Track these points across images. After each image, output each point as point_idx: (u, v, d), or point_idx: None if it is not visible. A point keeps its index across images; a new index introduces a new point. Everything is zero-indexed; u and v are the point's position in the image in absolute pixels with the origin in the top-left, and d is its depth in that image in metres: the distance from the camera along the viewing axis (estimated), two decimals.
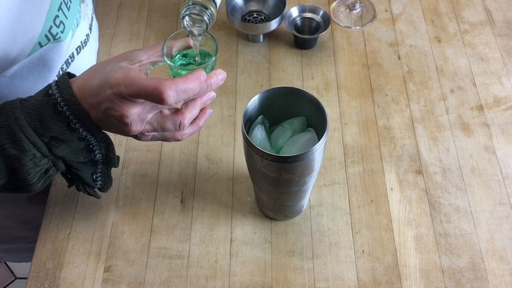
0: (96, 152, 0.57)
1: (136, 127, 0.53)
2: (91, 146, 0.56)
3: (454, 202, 0.75)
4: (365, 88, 0.87)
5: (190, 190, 0.77)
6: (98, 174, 0.61)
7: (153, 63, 0.56)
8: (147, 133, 0.55)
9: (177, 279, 0.70)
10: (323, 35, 0.93)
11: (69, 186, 0.64)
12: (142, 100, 0.51)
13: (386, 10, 0.98)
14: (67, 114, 0.52)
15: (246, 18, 0.93)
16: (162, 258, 0.71)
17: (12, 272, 1.54)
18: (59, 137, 0.53)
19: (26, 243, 1.00)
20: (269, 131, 0.67)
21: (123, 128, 0.53)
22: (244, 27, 0.89)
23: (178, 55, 0.60)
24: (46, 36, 0.62)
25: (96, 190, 0.64)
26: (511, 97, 0.86)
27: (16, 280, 1.53)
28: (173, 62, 0.58)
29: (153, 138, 0.56)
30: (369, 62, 0.90)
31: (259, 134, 0.64)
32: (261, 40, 0.93)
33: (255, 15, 0.94)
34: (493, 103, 0.85)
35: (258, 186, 0.68)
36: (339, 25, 0.96)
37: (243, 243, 0.72)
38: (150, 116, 0.53)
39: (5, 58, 0.59)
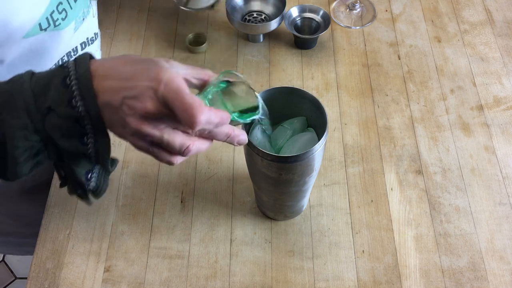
0: (89, 146, 0.52)
1: (147, 128, 0.49)
2: (85, 137, 0.51)
3: (454, 202, 0.75)
4: (365, 88, 0.87)
5: (190, 190, 0.77)
6: (94, 174, 0.57)
7: (186, 83, 0.52)
8: (145, 141, 0.51)
9: (177, 279, 0.70)
10: (323, 35, 0.93)
11: (61, 186, 0.58)
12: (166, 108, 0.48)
13: (386, 10, 0.98)
14: (73, 89, 0.48)
15: (246, 18, 0.93)
16: (162, 258, 0.71)
17: (12, 272, 1.54)
18: (56, 112, 0.48)
19: (18, 237, 0.99)
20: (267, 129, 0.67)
21: (131, 123, 0.49)
22: (244, 27, 0.89)
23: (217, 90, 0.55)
24: (47, 19, 0.62)
25: (89, 193, 0.59)
26: (511, 97, 0.86)
27: (16, 280, 1.53)
28: (206, 94, 0.54)
29: (144, 149, 0.52)
30: (369, 62, 0.90)
31: (259, 134, 0.64)
32: (261, 40, 0.93)
33: (255, 15, 0.94)
34: (493, 103, 0.85)
35: (258, 186, 0.68)
36: (339, 25, 0.96)
37: (243, 243, 0.72)
38: (164, 125, 0.50)
39: (4, 26, 0.58)
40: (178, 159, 0.52)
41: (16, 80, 0.49)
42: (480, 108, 0.85)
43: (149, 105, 0.47)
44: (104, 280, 0.70)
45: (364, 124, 0.83)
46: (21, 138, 0.49)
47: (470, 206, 0.75)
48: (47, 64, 0.68)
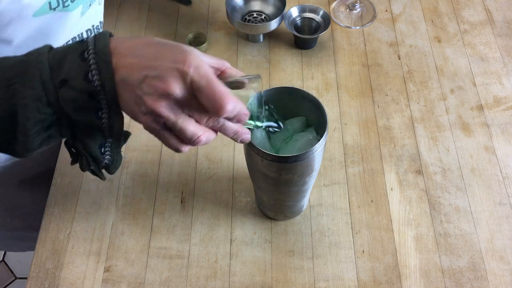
0: (103, 120, 0.50)
1: (164, 109, 0.47)
2: (100, 112, 0.49)
3: (454, 202, 0.75)
4: (365, 88, 0.87)
5: (190, 190, 0.77)
6: (107, 148, 0.55)
7: None
8: (158, 123, 0.49)
9: (177, 279, 0.70)
10: (323, 35, 0.93)
11: (72, 163, 0.57)
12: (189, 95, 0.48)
13: (386, 10, 0.98)
14: (90, 63, 0.47)
15: (246, 18, 0.93)
16: (162, 258, 0.71)
17: (12, 272, 1.54)
18: (71, 85, 0.48)
19: (11, 230, 0.98)
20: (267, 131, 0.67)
21: (148, 102, 0.47)
22: (244, 27, 0.89)
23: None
24: None
25: (102, 169, 0.57)
26: (511, 97, 0.86)
27: (16, 280, 1.53)
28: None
29: (155, 131, 0.51)
30: (369, 62, 0.90)
31: (258, 134, 0.64)
32: (261, 40, 0.93)
33: (255, 15, 0.94)
34: (493, 103, 0.85)
35: (258, 186, 0.68)
36: (339, 25, 0.96)
37: (243, 243, 0.72)
38: (180, 110, 0.49)
39: (15, 1, 0.59)
40: (186, 148, 0.51)
41: (34, 52, 0.49)
42: (480, 108, 0.85)
43: (173, 86, 0.46)
44: (104, 280, 0.70)
45: (364, 124, 0.83)
46: (33, 109, 0.48)
47: (470, 206, 0.75)
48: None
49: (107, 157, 0.56)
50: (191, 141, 0.50)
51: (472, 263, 0.70)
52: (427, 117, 0.84)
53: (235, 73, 0.53)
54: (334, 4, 0.99)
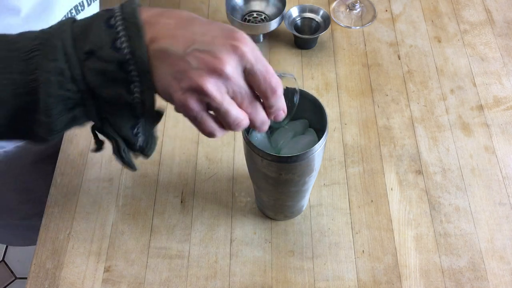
0: (135, 95, 0.44)
1: (212, 87, 0.43)
2: (131, 85, 0.44)
3: (454, 202, 0.75)
4: (365, 88, 0.87)
5: (190, 190, 0.77)
6: (140, 129, 0.49)
7: None
8: (199, 102, 0.44)
9: (177, 279, 0.70)
10: (323, 35, 0.93)
11: (96, 150, 0.51)
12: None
13: (386, 10, 0.98)
14: (118, 29, 0.42)
15: (246, 18, 0.93)
16: (162, 258, 0.71)
17: (12, 272, 1.54)
18: (97, 55, 0.43)
19: (22, 218, 0.98)
20: (269, 131, 0.67)
21: (194, 77, 0.42)
22: (244, 27, 0.89)
23: None
24: None
25: (137, 153, 0.51)
26: (511, 97, 0.86)
27: (16, 280, 1.53)
28: None
29: (194, 111, 0.45)
30: (369, 62, 0.90)
31: (258, 134, 0.64)
32: (261, 40, 0.93)
33: (255, 15, 0.94)
34: (493, 103, 0.85)
35: (258, 186, 0.68)
36: (339, 25, 0.96)
37: (243, 243, 0.72)
38: (226, 91, 0.44)
39: None
40: (222, 133, 0.47)
41: (57, 24, 0.45)
42: (480, 108, 0.85)
43: (227, 63, 0.42)
44: (104, 280, 0.70)
45: (364, 124, 0.83)
46: (55, 85, 0.43)
47: (470, 206, 0.75)
48: (56, 16, 0.68)
49: (140, 138, 0.49)
50: (232, 125, 0.46)
51: (472, 263, 0.70)
52: (427, 117, 0.84)
53: None
54: (334, 4, 0.99)
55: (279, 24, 0.89)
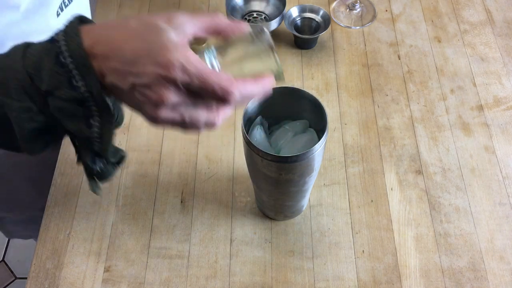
0: (93, 129, 0.47)
1: (166, 115, 0.44)
2: (91, 119, 0.46)
3: (454, 202, 0.75)
4: (365, 88, 0.87)
5: (190, 190, 0.77)
6: (97, 161, 0.51)
7: (196, 41, 0.47)
8: (166, 123, 0.46)
9: (177, 279, 0.70)
10: (323, 35, 0.93)
11: (77, 162, 0.53)
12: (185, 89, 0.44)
13: (386, 10, 0.98)
14: (70, 68, 0.43)
15: (246, 18, 0.93)
16: (162, 258, 0.71)
17: (12, 272, 1.54)
18: (56, 94, 0.44)
19: (34, 211, 0.98)
20: (269, 131, 0.67)
21: (148, 111, 0.44)
22: None
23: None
24: None
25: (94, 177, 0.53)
26: (511, 97, 0.86)
27: (16, 280, 1.53)
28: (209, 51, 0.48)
29: (169, 127, 0.47)
30: (369, 62, 0.90)
31: (258, 135, 0.64)
32: None
33: (255, 15, 0.94)
34: (493, 103, 0.85)
35: (258, 186, 0.68)
36: (339, 25, 0.96)
37: (243, 243, 0.72)
38: (183, 106, 0.45)
39: None
40: (204, 130, 0.48)
41: (8, 60, 0.45)
42: (480, 108, 0.85)
43: (165, 96, 0.43)
44: (104, 280, 0.70)
45: (364, 124, 0.83)
46: (26, 120, 0.45)
47: (470, 206, 0.75)
48: (52, 10, 0.69)
49: (97, 168, 0.52)
50: (208, 129, 0.47)
51: (472, 263, 0.70)
52: (427, 117, 0.84)
53: (231, 28, 0.48)
54: (334, 4, 0.99)
55: (279, 24, 0.89)
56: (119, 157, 0.53)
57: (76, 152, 0.52)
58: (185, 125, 0.46)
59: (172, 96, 0.43)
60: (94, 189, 0.53)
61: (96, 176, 0.52)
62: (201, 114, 0.46)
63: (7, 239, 1.58)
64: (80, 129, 0.46)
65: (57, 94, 0.44)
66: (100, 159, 0.51)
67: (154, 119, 0.45)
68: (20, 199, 0.98)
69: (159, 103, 0.43)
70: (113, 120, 0.47)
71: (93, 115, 0.45)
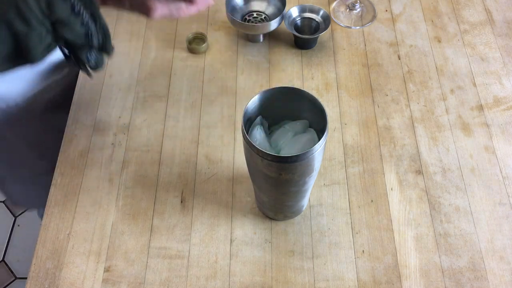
0: (93, 40, 0.59)
1: (158, 13, 0.59)
2: (90, 34, 0.58)
3: (454, 202, 0.75)
4: (365, 88, 0.87)
5: (190, 190, 0.77)
6: (93, 54, 0.62)
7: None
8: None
9: (177, 279, 0.70)
10: (323, 35, 0.93)
11: (66, 61, 0.64)
12: None
13: (386, 10, 0.98)
14: None
15: (246, 18, 0.93)
16: (162, 258, 0.71)
17: (12, 272, 1.54)
18: (64, 21, 0.54)
19: (39, 174, 1.00)
20: (269, 131, 0.67)
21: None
22: (244, 27, 0.89)
23: None
24: None
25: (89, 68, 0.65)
26: (511, 97, 0.86)
27: (16, 280, 1.53)
28: None
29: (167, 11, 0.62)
30: (369, 62, 0.90)
31: (258, 135, 0.64)
32: (261, 40, 0.93)
33: (255, 15, 0.94)
34: (493, 103, 0.85)
35: (258, 186, 0.68)
36: (339, 25, 0.96)
37: (243, 243, 0.72)
38: None
39: None
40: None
41: None
42: (480, 108, 0.85)
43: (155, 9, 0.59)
44: (104, 280, 0.70)
45: (364, 124, 0.83)
46: (37, 41, 0.54)
47: (470, 206, 0.75)
48: None
49: (92, 62, 0.62)
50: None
51: (472, 263, 0.70)
52: (427, 117, 0.84)
53: None
54: (334, 4, 0.99)
55: (279, 24, 0.89)
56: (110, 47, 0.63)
57: (64, 55, 0.62)
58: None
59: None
60: (89, 75, 0.65)
61: (91, 67, 0.63)
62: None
63: (7, 239, 1.58)
64: (84, 41, 0.58)
65: (65, 22, 0.54)
66: (95, 52, 0.61)
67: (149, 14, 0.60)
68: (17, 158, 1.00)
69: (149, 9, 0.59)
70: (109, 35, 0.59)
71: (92, 33, 0.58)
